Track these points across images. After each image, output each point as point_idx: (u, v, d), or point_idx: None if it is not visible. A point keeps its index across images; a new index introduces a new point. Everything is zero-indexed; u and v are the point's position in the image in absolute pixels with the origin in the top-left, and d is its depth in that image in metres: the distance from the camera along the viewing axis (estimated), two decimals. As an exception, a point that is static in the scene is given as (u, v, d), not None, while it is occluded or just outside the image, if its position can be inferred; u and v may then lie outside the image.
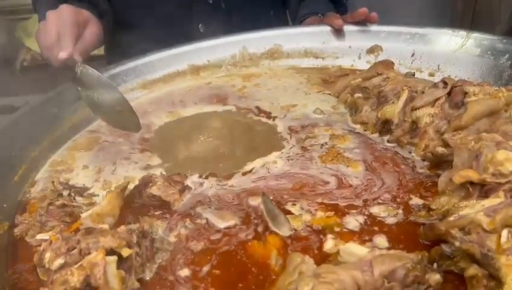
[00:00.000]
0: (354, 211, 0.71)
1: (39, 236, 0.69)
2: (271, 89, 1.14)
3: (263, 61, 1.26)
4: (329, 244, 0.64)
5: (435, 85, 0.88)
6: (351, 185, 0.77)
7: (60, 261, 0.57)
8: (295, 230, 0.68)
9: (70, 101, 1.02)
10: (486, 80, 1.00)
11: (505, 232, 0.56)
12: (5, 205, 0.76)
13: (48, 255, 0.58)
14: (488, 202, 0.61)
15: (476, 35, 1.07)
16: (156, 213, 0.73)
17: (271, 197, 0.72)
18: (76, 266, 0.56)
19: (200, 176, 0.82)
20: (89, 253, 0.57)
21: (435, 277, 0.56)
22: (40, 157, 0.89)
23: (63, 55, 0.94)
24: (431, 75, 1.11)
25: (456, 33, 1.11)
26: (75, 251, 0.58)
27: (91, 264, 0.56)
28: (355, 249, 0.60)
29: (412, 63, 1.14)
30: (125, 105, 0.88)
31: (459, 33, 1.10)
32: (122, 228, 0.62)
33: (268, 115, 1.02)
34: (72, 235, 0.61)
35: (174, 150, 0.93)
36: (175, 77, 1.20)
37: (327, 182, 0.78)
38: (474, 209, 0.61)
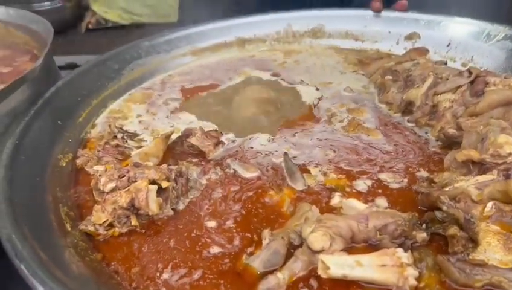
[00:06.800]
0: (365, 176, 0.80)
1: (96, 167, 0.82)
2: (309, 66, 1.23)
3: (305, 39, 1.34)
4: (335, 200, 0.74)
5: (460, 73, 0.94)
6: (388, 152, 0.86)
7: (112, 185, 0.71)
8: (309, 186, 0.78)
9: (129, 60, 1.16)
10: (516, 74, 1.04)
11: (490, 204, 0.63)
12: (70, 140, 0.90)
13: (103, 179, 0.72)
14: (481, 178, 0.68)
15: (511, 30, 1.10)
16: (193, 160, 0.85)
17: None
18: (124, 190, 0.70)
19: (235, 136, 0.93)
20: (136, 181, 0.70)
21: (422, 235, 0.65)
22: (100, 105, 1.03)
23: None
24: (464, 65, 1.15)
25: (494, 27, 1.14)
26: (125, 178, 0.71)
27: (136, 190, 0.69)
28: (355, 204, 0.69)
29: (447, 52, 1.19)
30: None
31: (496, 27, 1.13)
32: (164, 165, 0.75)
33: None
34: (123, 167, 0.74)
35: (220, 111, 1.04)
36: (222, 47, 1.31)
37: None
38: (468, 183, 0.68)
